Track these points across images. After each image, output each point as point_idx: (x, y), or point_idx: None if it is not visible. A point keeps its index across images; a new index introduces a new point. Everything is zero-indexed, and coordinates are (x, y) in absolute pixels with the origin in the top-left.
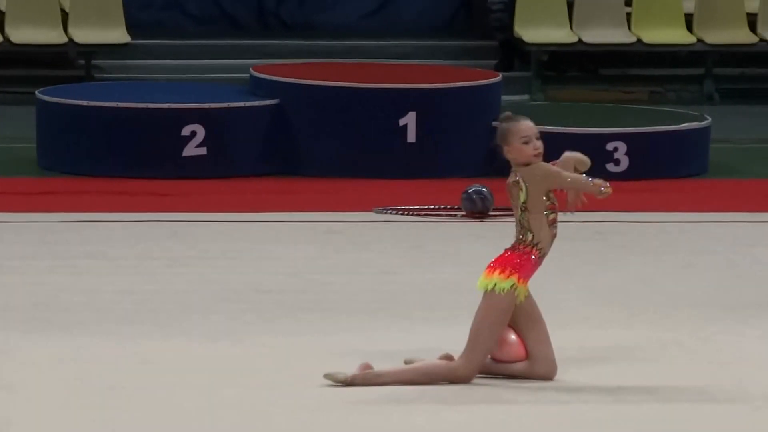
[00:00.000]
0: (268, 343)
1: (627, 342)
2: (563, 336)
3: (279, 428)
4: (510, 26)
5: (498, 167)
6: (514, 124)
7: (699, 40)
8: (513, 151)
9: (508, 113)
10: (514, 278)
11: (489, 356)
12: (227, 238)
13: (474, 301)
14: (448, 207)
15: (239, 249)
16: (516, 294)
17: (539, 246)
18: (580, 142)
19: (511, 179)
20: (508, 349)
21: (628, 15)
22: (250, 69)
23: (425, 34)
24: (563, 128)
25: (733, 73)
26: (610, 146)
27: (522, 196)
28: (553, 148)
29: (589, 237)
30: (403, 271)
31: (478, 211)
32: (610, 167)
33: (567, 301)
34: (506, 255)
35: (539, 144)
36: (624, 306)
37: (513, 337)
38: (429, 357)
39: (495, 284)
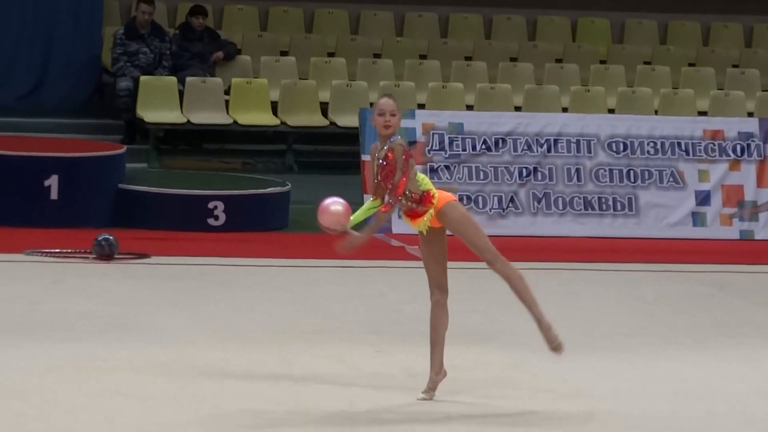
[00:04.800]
0: None
1: (233, 358)
2: (179, 354)
3: None
4: (133, 109)
5: (120, 221)
6: (378, 100)
7: (282, 123)
8: (373, 121)
9: (387, 92)
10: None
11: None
12: None
13: (102, 328)
14: (83, 251)
15: None
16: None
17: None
18: (187, 201)
19: (376, 148)
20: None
21: (227, 101)
22: None
23: (67, 113)
24: (175, 190)
25: (309, 149)
26: (211, 205)
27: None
28: (164, 206)
29: (193, 277)
30: (47, 301)
31: (106, 254)
32: (211, 221)
33: (173, 326)
34: (415, 210)
35: (391, 119)
36: (222, 330)
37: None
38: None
39: (430, 212)
